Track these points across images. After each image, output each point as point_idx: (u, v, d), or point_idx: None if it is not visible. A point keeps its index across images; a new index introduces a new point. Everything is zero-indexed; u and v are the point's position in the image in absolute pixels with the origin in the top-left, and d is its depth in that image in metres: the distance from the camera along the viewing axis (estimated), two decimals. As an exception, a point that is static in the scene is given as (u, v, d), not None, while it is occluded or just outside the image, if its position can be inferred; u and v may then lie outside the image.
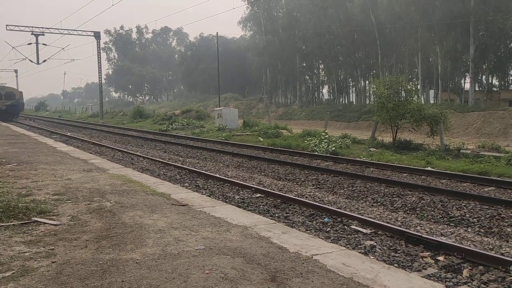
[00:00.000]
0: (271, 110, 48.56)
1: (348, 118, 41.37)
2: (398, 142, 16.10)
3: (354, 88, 55.14)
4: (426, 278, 3.96)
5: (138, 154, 14.80)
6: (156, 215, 4.97)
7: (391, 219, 6.95)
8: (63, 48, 41.26)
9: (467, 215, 7.08)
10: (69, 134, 24.07)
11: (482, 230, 6.41)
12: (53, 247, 3.84)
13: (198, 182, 9.87)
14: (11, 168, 8.58)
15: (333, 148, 15.42)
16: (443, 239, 5.72)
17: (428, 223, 6.81)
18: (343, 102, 54.52)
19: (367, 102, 48.34)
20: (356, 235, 5.97)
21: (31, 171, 8.14)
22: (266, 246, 3.91)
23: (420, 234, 5.78)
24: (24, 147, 12.86)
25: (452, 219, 6.99)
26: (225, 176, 10.47)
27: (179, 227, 4.49)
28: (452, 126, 21.52)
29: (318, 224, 6.55)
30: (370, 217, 6.78)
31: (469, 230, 6.47)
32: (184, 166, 11.89)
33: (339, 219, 6.70)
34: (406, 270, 4.48)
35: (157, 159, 13.41)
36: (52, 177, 7.50)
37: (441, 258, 5.11)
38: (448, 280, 4.51)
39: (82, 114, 58.08)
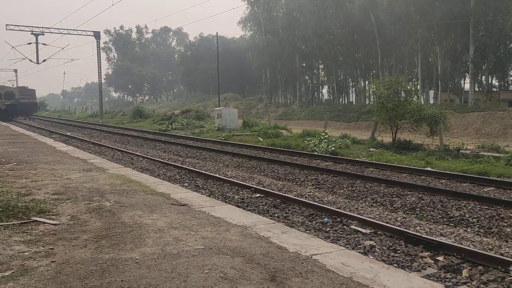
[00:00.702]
0: (271, 110, 48.51)
1: (348, 118, 41.35)
2: (398, 142, 16.10)
3: (354, 88, 55.11)
4: (425, 278, 3.96)
5: (138, 154, 14.80)
6: (156, 215, 4.97)
7: (390, 219, 6.94)
8: (63, 48, 41.38)
9: (466, 215, 7.08)
10: (68, 133, 24.07)
11: (482, 230, 6.40)
12: (52, 247, 3.84)
13: (197, 182, 9.87)
14: (11, 167, 8.58)
15: (333, 148, 15.42)
16: (443, 239, 5.72)
17: (427, 223, 6.81)
18: (343, 102, 54.49)
19: (367, 102, 48.35)
20: (355, 235, 5.96)
21: (30, 171, 8.13)
22: (265, 246, 3.91)
23: (420, 234, 5.78)
24: (23, 147, 12.85)
25: (452, 219, 6.99)
26: (225, 176, 10.47)
27: (178, 227, 4.49)
28: (451, 127, 21.57)
29: (317, 224, 6.54)
30: (369, 217, 6.77)
31: (469, 230, 6.47)
32: (184, 166, 11.89)
33: (338, 219, 6.70)
34: (405, 270, 4.48)
35: (156, 159, 13.40)
36: (52, 177, 7.50)
37: (440, 258, 5.11)
38: (447, 280, 4.51)
39: (82, 114, 58.12)
